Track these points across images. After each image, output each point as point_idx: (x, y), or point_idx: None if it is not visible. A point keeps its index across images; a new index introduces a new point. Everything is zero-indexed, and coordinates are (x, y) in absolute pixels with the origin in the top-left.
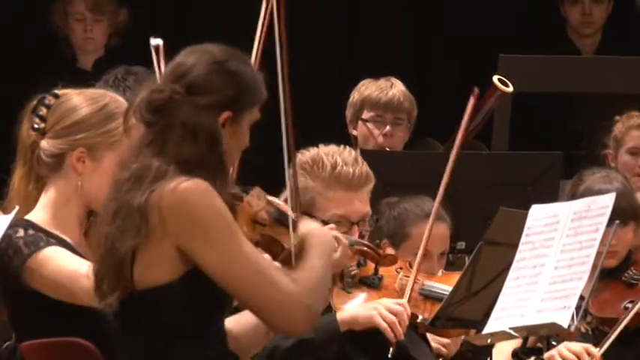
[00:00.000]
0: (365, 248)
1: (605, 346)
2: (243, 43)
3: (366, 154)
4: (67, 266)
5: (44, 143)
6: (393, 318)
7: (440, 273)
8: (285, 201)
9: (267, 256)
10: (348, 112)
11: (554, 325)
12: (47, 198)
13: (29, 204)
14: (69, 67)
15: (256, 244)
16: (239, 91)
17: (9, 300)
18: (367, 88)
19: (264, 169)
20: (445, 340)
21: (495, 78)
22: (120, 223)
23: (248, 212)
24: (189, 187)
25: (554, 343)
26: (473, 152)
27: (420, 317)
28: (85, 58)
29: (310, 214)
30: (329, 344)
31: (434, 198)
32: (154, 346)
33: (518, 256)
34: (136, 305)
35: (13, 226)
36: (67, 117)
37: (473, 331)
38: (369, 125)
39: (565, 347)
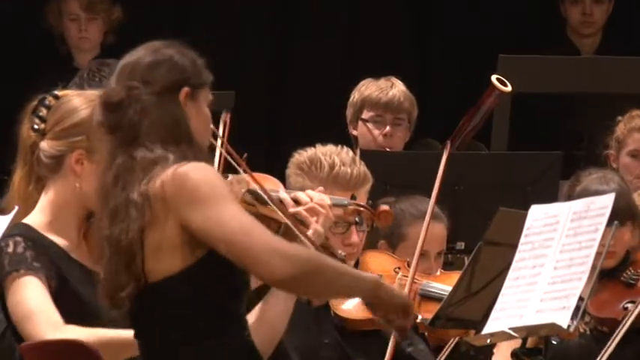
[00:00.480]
0: (360, 208)
1: (610, 350)
2: (243, 42)
3: (366, 154)
4: (28, 300)
5: (44, 144)
6: None
7: (438, 272)
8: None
9: None
10: (348, 112)
11: (553, 326)
12: (46, 199)
13: (29, 205)
14: (65, 66)
15: None
16: (188, 66)
17: (3, 304)
18: (367, 88)
19: (264, 168)
20: None
21: (494, 77)
22: (120, 222)
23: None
24: (186, 168)
25: (554, 342)
26: (472, 152)
27: (420, 317)
28: (80, 56)
29: None
30: None
31: (427, 198)
32: (170, 338)
33: (517, 256)
34: (150, 298)
35: (12, 234)
36: (67, 118)
37: (472, 332)
38: (369, 125)
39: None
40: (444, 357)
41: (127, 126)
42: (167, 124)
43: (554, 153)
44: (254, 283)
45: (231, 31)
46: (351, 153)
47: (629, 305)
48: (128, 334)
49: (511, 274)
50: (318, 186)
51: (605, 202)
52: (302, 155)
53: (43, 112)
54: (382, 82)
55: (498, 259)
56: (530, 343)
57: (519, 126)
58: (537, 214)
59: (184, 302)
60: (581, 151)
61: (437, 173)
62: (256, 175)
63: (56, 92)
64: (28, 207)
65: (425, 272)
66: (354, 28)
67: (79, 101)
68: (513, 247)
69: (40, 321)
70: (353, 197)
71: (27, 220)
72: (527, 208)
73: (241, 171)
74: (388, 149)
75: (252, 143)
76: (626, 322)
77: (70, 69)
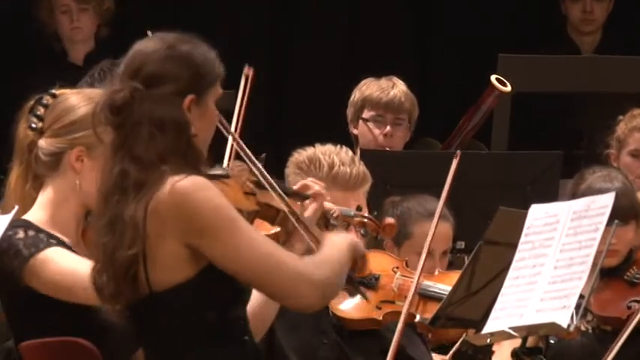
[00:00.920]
0: (365, 220)
1: (615, 350)
2: (243, 42)
3: (366, 154)
4: (67, 266)
5: (42, 142)
6: None
7: (437, 272)
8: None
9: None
10: (349, 111)
11: (553, 325)
12: (45, 197)
13: (26, 204)
14: (59, 63)
15: (256, 212)
16: (196, 72)
17: (6, 300)
18: (368, 88)
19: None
20: None
21: (493, 77)
22: (117, 234)
23: (237, 187)
24: (185, 185)
25: (552, 342)
26: (472, 152)
27: (418, 316)
28: (75, 51)
29: None
30: None
31: (434, 197)
32: (175, 345)
33: (517, 255)
34: (154, 306)
35: (13, 227)
36: (66, 116)
37: (472, 331)
38: (370, 125)
39: None
40: (449, 357)
41: (128, 127)
42: (167, 131)
43: (554, 152)
44: None
45: (231, 31)
46: (350, 153)
47: (633, 304)
48: None
49: (511, 273)
50: None
51: (606, 202)
52: (301, 155)
53: (41, 110)
54: (383, 82)
55: (498, 258)
56: (530, 342)
57: (519, 125)
58: (537, 213)
59: (189, 310)
60: (581, 151)
61: (437, 173)
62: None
63: (53, 91)
64: (25, 206)
65: (428, 271)
66: (354, 27)
67: (77, 99)
68: (513, 246)
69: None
70: (358, 208)
71: (26, 217)
72: (527, 208)
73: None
74: (388, 149)
75: (252, 143)
76: (631, 322)
77: (65, 66)
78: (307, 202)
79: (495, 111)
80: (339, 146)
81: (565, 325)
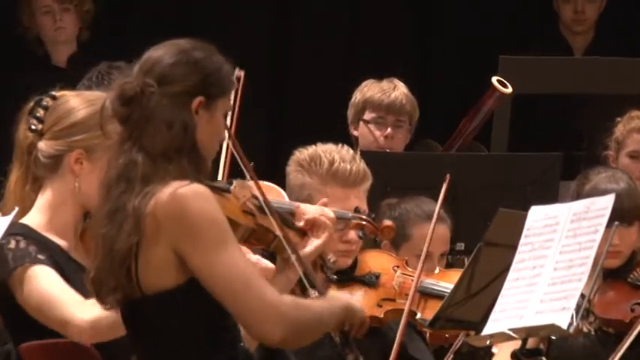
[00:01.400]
0: (363, 222)
1: (620, 353)
2: (243, 42)
3: (366, 155)
4: (46, 288)
5: (42, 144)
6: None
7: (437, 271)
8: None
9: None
10: (350, 113)
11: (553, 327)
12: (44, 199)
13: (26, 205)
14: (43, 66)
15: (252, 232)
16: (206, 77)
17: (3, 305)
18: (370, 89)
19: (265, 168)
20: None
21: (494, 79)
22: (117, 225)
23: (236, 203)
24: (186, 192)
25: (553, 338)
26: (472, 153)
27: (419, 315)
28: (58, 53)
29: None
30: None
31: (433, 199)
32: (165, 350)
33: (517, 257)
34: (146, 309)
35: (10, 234)
36: (66, 118)
37: (472, 333)
38: (371, 126)
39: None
40: (450, 357)
41: (135, 121)
42: (174, 129)
43: (554, 154)
44: None
45: (231, 31)
46: (351, 150)
47: (636, 307)
48: None
49: (511, 274)
50: (318, 182)
51: (605, 203)
52: (302, 153)
53: (41, 112)
54: (385, 84)
55: (498, 259)
56: (530, 343)
57: (519, 127)
58: (537, 215)
59: (180, 314)
60: (581, 152)
61: (437, 173)
62: (261, 184)
63: (53, 93)
64: (24, 208)
65: (427, 272)
66: (355, 28)
67: (77, 101)
68: (513, 248)
69: (67, 302)
70: (356, 210)
71: (25, 221)
72: (527, 209)
73: (248, 177)
74: (388, 150)
75: (252, 143)
76: (636, 326)
77: (50, 69)
78: (308, 237)
79: (495, 112)
80: (340, 144)
81: (565, 327)
